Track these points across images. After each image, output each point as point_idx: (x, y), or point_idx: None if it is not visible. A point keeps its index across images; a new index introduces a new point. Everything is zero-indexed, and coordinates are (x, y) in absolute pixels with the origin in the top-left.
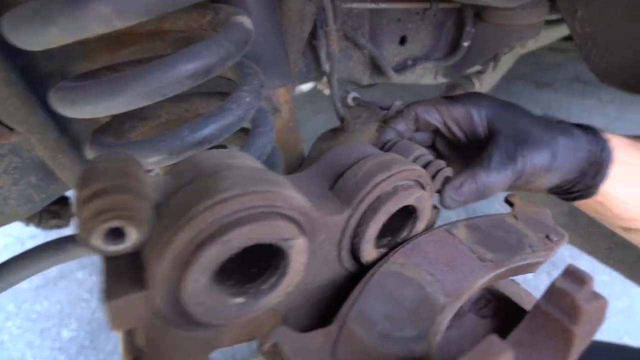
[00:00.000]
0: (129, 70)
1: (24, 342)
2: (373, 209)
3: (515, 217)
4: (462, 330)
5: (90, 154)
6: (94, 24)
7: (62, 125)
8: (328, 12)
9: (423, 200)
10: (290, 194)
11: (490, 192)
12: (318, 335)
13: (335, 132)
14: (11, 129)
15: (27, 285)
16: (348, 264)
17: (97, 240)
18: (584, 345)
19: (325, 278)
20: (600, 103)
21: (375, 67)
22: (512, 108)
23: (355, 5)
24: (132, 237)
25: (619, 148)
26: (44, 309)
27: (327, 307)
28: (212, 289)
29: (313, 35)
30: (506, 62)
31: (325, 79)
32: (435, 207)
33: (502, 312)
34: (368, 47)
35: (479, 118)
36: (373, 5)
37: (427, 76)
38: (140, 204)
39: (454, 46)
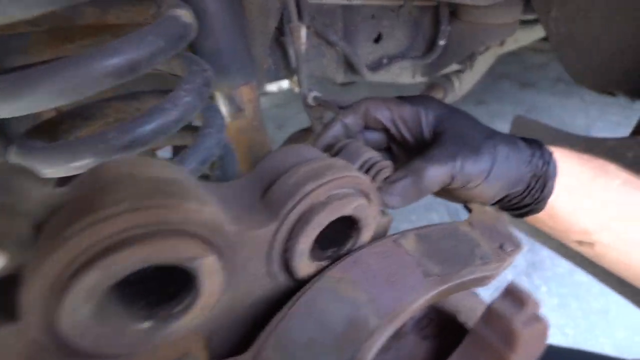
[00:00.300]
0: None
1: None
2: (304, 221)
3: (470, 224)
4: (400, 353)
5: (13, 157)
6: None
7: None
8: (291, 8)
9: (364, 209)
10: (195, 208)
11: (428, 185)
12: None
13: (306, 132)
14: None
15: None
16: (282, 279)
17: None
18: None
19: (256, 295)
20: (582, 103)
21: (350, 65)
22: (459, 113)
23: (325, 0)
24: None
25: (563, 160)
26: None
27: (260, 326)
28: (103, 315)
29: (281, 31)
30: (485, 61)
31: (296, 77)
32: (384, 214)
33: (446, 332)
34: (340, 44)
35: (425, 120)
36: (345, 2)
37: (405, 75)
38: (12, 222)
39: (431, 45)
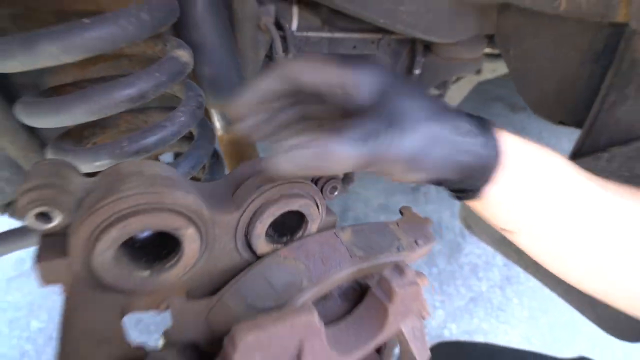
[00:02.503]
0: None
1: None
2: (260, 212)
3: (397, 224)
4: (326, 307)
5: (49, 156)
6: (44, 59)
7: (32, 129)
8: (276, 42)
9: (309, 207)
10: (180, 195)
11: (334, 165)
12: (201, 303)
13: None
14: None
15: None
16: (245, 254)
17: (30, 219)
18: (400, 319)
19: (226, 264)
20: (568, 128)
21: None
22: (407, 88)
23: (311, 34)
24: (56, 219)
25: (508, 152)
26: (15, 300)
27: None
28: (119, 261)
29: (271, 59)
30: (463, 88)
31: None
32: (331, 214)
33: (363, 297)
34: None
35: (368, 88)
36: (329, 35)
37: None
38: (64, 196)
39: (408, 73)
